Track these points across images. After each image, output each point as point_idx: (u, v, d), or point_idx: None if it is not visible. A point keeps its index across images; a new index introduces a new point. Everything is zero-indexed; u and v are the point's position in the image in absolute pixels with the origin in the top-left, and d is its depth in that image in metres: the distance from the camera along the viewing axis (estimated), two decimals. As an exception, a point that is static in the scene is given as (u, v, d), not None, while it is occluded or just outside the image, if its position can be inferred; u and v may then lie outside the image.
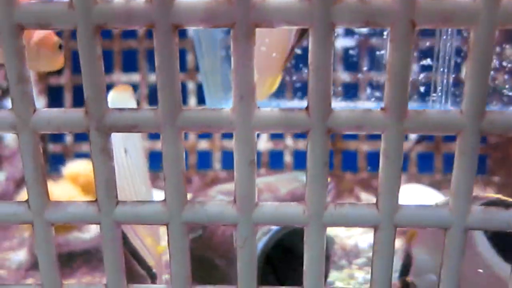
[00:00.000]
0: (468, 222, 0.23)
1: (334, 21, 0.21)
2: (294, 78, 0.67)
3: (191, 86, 0.73)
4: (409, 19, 0.21)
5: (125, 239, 0.31)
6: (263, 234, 0.36)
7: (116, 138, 0.32)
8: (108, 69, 0.72)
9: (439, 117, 0.22)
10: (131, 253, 0.31)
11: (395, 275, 0.30)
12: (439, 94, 0.44)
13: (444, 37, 0.42)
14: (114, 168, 0.23)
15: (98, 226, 0.47)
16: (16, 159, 0.69)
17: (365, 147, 0.71)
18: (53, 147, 0.73)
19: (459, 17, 0.21)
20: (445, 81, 0.43)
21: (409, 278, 0.26)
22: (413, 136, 0.70)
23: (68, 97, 0.72)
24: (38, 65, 0.22)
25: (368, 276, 0.47)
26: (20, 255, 0.49)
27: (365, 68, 0.67)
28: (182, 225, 0.24)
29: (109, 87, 0.79)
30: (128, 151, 0.32)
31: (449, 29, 0.42)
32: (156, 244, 0.32)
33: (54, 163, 0.74)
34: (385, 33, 0.65)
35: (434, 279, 0.29)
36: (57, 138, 0.73)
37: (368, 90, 0.68)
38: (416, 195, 0.65)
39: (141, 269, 0.31)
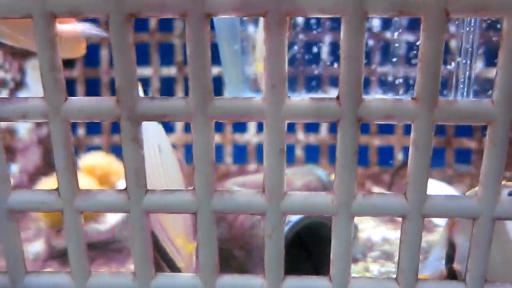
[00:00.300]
0: (496, 212, 0.23)
1: (367, 10, 0.21)
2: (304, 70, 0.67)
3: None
4: (442, 8, 0.21)
5: (155, 241, 0.31)
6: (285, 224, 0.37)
7: (150, 135, 0.32)
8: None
9: (470, 107, 0.22)
10: (160, 255, 0.31)
11: (442, 263, 0.30)
12: (461, 86, 0.44)
13: (467, 28, 0.42)
14: (143, 157, 0.23)
15: (115, 217, 0.48)
16: (29, 151, 0.70)
17: (376, 141, 0.71)
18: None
19: (492, 6, 0.21)
20: (467, 73, 0.43)
21: (455, 266, 0.27)
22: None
23: (80, 90, 0.73)
24: (60, 51, 0.22)
25: (383, 269, 0.48)
26: (37, 246, 0.49)
27: (374, 64, 0.67)
28: (210, 214, 0.24)
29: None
30: (161, 149, 0.32)
31: (472, 22, 0.42)
32: (186, 244, 0.32)
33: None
34: (396, 33, 0.65)
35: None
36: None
37: (379, 84, 0.68)
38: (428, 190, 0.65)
39: (170, 270, 0.31)
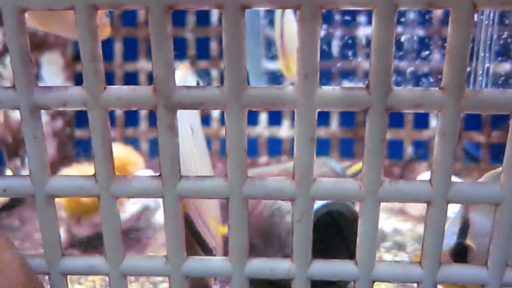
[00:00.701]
0: (519, 199, 0.24)
1: (397, 3, 0.22)
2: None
3: (214, 74, 0.74)
4: (470, 1, 0.21)
5: (189, 223, 0.32)
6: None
7: (183, 116, 0.33)
8: (133, 57, 0.73)
9: (496, 96, 0.23)
10: (195, 237, 0.32)
11: (454, 238, 0.30)
12: (480, 79, 0.45)
13: (486, 22, 0.43)
14: (178, 144, 0.24)
15: (134, 207, 0.48)
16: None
17: (386, 135, 0.72)
18: (80, 133, 0.75)
19: (519, -1, 0.21)
20: (485, 66, 0.44)
21: (468, 242, 0.27)
22: (434, 124, 0.71)
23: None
24: None
25: (397, 259, 0.49)
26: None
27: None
28: (242, 200, 0.25)
29: (134, 75, 0.80)
30: (193, 129, 0.33)
31: (491, 15, 0.43)
32: (218, 226, 0.33)
33: (80, 148, 0.75)
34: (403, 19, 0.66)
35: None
36: (84, 123, 0.74)
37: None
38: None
39: (203, 252, 0.32)
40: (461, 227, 0.30)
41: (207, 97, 0.23)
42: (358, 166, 0.54)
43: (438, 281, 0.26)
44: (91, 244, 0.49)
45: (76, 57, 0.73)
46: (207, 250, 0.32)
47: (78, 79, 0.73)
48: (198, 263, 0.26)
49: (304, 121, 0.23)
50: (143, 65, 0.74)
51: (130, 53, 0.74)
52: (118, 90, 0.24)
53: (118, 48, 0.73)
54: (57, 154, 0.73)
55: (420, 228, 0.55)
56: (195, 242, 0.32)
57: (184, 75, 0.36)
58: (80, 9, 0.22)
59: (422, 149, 0.71)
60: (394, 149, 0.72)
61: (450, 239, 0.31)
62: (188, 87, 0.23)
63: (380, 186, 0.24)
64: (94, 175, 0.25)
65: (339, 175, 0.51)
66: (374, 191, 0.24)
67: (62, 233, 0.50)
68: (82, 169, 0.53)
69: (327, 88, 0.23)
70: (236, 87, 0.23)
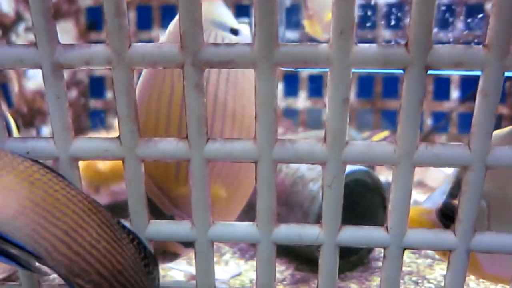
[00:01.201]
0: (562, 163, 0.23)
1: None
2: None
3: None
4: (522, -51, 0.20)
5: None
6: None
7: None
8: (148, 25, 0.72)
9: (544, 53, 0.21)
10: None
11: (443, 198, 0.29)
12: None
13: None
14: (205, 104, 0.23)
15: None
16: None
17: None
18: (94, 103, 0.74)
19: None
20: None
21: (456, 201, 0.26)
22: (455, 96, 0.69)
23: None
24: None
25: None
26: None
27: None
28: (271, 163, 0.24)
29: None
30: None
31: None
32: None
33: (95, 119, 0.75)
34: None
35: (484, 206, 0.29)
36: (98, 94, 0.73)
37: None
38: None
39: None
40: (452, 187, 0.29)
41: (236, 55, 0.22)
42: (378, 136, 0.53)
43: (472, 248, 0.25)
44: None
45: (90, 26, 0.72)
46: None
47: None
48: (224, 228, 0.26)
49: (338, 81, 0.22)
50: (157, 33, 0.72)
51: (144, 22, 0.72)
52: (144, 47, 0.23)
53: (132, 17, 0.72)
54: (72, 125, 0.72)
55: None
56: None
57: (215, 9, 0.32)
58: (104, -40, 0.21)
59: (443, 121, 0.69)
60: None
61: (439, 198, 0.30)
62: (216, 44, 0.22)
63: (415, 149, 0.23)
64: (118, 137, 0.24)
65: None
66: (409, 155, 0.23)
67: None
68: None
69: (363, 45, 0.22)
70: (267, 44, 0.22)
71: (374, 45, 0.22)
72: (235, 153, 0.24)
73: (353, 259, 0.39)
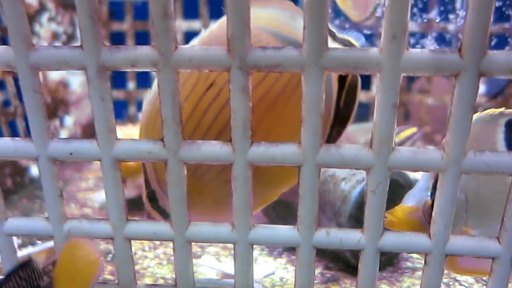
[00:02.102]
0: None
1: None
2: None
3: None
4: None
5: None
6: (358, 183, 0.36)
7: None
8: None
9: None
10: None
11: (427, 194, 0.29)
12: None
13: None
14: (250, 108, 0.23)
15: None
16: (82, 104, 0.70)
17: (429, 100, 0.69)
18: (116, 93, 0.74)
19: None
20: None
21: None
22: (482, 90, 0.68)
23: (130, 43, 0.72)
24: None
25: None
26: (102, 195, 0.50)
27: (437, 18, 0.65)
28: (315, 168, 0.24)
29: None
30: None
31: None
32: None
33: (117, 109, 0.75)
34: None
35: (462, 198, 0.28)
36: (120, 84, 0.73)
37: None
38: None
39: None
40: (434, 181, 0.28)
41: (284, 59, 0.22)
42: (406, 132, 0.52)
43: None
44: (136, 205, 0.49)
45: (111, 16, 0.72)
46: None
47: (113, 38, 0.72)
48: (265, 231, 0.26)
49: (388, 86, 0.22)
50: (179, 24, 0.72)
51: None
52: (190, 50, 0.22)
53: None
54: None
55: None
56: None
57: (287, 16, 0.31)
58: (153, -38, 0.21)
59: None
60: (437, 115, 0.70)
61: (422, 195, 0.29)
62: (263, 48, 0.22)
63: (464, 157, 0.23)
64: (162, 139, 0.24)
65: (387, 142, 0.50)
66: (457, 162, 0.23)
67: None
68: (126, 131, 0.53)
69: (415, 51, 0.21)
70: (317, 48, 0.22)
71: (426, 50, 0.21)
72: (279, 157, 0.24)
73: (382, 259, 0.39)
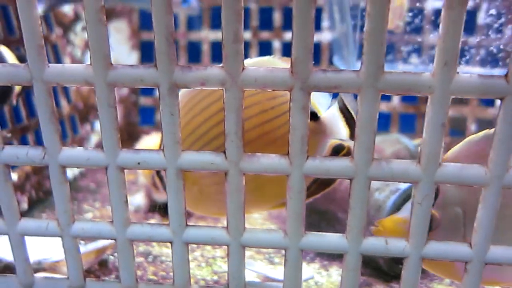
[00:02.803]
0: None
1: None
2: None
3: (277, 44, 0.74)
4: None
5: None
6: (392, 193, 0.38)
7: None
8: (197, 25, 0.74)
9: None
10: None
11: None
12: None
13: None
14: (308, 125, 0.25)
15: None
16: (111, 110, 0.73)
17: (449, 111, 0.71)
18: (144, 100, 0.76)
19: None
20: None
21: (434, 211, 0.26)
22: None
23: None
24: None
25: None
26: (137, 199, 0.52)
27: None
28: (366, 181, 0.26)
29: (197, 45, 0.80)
30: None
31: None
32: None
33: (145, 115, 0.77)
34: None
35: (459, 213, 0.30)
36: (148, 91, 0.75)
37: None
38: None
39: None
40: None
41: (343, 81, 0.24)
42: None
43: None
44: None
45: (142, 26, 0.74)
46: None
47: (143, 48, 0.75)
48: (316, 239, 0.28)
49: (438, 107, 0.24)
50: (206, 34, 0.74)
51: (194, 22, 0.74)
52: (256, 71, 0.24)
53: (182, 18, 0.73)
54: (123, 120, 0.75)
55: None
56: None
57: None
58: (228, -8, 0.23)
59: (487, 128, 0.70)
60: (456, 126, 0.72)
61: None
62: (324, 70, 0.24)
63: (506, 172, 0.25)
64: (224, 152, 0.26)
65: (411, 152, 0.52)
66: (499, 177, 0.25)
67: (143, 199, 0.52)
68: (151, 141, 0.55)
69: (464, 76, 0.23)
70: (374, 72, 0.23)
71: (474, 75, 0.23)
72: (333, 170, 0.26)
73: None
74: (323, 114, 0.33)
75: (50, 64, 0.25)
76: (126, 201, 0.28)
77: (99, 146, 0.27)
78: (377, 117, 0.25)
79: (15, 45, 0.53)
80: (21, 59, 0.46)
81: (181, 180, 0.27)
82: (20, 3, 0.24)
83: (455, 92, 0.24)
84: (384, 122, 0.73)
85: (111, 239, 0.29)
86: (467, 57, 0.66)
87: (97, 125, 0.71)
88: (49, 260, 0.38)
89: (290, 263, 0.28)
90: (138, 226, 0.29)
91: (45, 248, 0.40)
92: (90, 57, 0.25)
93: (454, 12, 0.22)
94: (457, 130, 0.71)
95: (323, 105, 0.34)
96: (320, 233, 0.28)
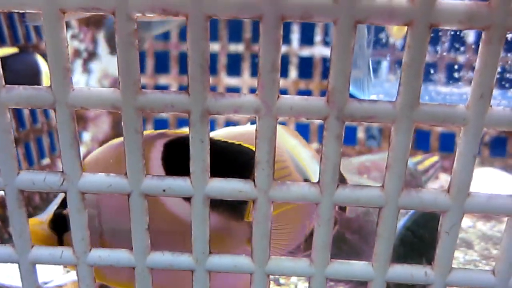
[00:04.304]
0: None
1: None
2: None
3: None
4: None
5: None
6: (401, 215, 0.39)
7: None
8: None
9: None
10: None
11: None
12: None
13: None
14: (341, 153, 0.25)
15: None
16: (100, 120, 0.71)
17: (438, 127, 0.73)
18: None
19: None
20: None
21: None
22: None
23: (150, 62, 0.73)
24: None
25: (467, 257, 0.50)
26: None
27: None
28: (395, 210, 0.26)
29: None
30: None
31: None
32: None
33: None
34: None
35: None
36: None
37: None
38: (489, 178, 0.67)
39: None
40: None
41: (378, 111, 0.24)
42: (429, 161, 0.55)
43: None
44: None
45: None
46: None
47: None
48: (341, 266, 0.27)
49: (471, 139, 0.24)
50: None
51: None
52: (291, 100, 0.24)
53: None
54: (111, 131, 0.73)
55: (481, 226, 0.56)
56: None
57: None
58: (269, 19, 0.22)
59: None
60: (446, 142, 0.73)
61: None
62: (360, 100, 0.24)
63: (533, 203, 0.25)
64: (253, 179, 0.26)
65: (411, 171, 0.52)
66: (525, 208, 0.25)
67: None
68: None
69: (498, 109, 0.24)
70: (410, 103, 0.24)
71: (508, 108, 0.24)
72: (363, 199, 0.26)
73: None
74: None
75: (75, 87, 0.24)
76: (148, 228, 0.27)
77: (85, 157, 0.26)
78: (410, 147, 0.25)
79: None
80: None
81: (207, 207, 0.26)
82: (47, 24, 0.23)
83: (488, 124, 0.24)
84: (377, 138, 0.74)
85: (130, 267, 0.28)
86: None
87: (85, 136, 0.69)
88: (51, 285, 0.36)
89: (315, 291, 0.28)
90: (159, 254, 0.28)
91: (42, 270, 0.39)
92: (119, 81, 0.24)
93: (493, 48, 0.22)
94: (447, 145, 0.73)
95: (315, 172, 0.37)
96: (345, 261, 0.28)
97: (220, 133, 0.39)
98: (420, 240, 0.38)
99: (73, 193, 0.26)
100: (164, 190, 0.26)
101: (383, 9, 0.22)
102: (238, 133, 0.38)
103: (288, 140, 0.38)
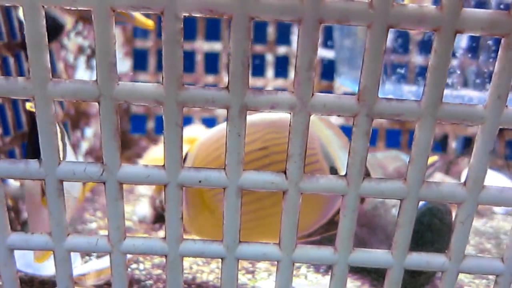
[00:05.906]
0: None
1: None
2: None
3: (270, 58, 0.75)
4: None
5: None
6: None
7: None
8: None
9: None
10: None
11: None
12: None
13: None
14: (368, 149, 0.27)
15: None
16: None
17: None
18: (135, 108, 0.75)
19: None
20: None
21: None
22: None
23: (152, 60, 0.74)
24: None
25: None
26: (142, 209, 0.52)
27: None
28: (416, 201, 0.28)
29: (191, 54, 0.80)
30: None
31: None
32: None
33: (135, 123, 0.76)
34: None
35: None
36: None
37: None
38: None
39: None
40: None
41: (405, 109, 0.26)
42: (429, 160, 0.57)
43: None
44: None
45: (135, 34, 0.73)
46: None
47: (136, 55, 0.74)
48: (363, 255, 0.29)
49: (488, 137, 0.26)
50: (200, 44, 0.74)
51: (187, 32, 0.74)
52: (326, 97, 0.26)
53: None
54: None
55: (474, 222, 0.59)
56: None
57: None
58: (308, 21, 0.24)
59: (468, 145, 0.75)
60: (438, 143, 0.76)
61: None
62: (389, 99, 0.26)
63: (541, 196, 0.27)
64: (284, 171, 0.27)
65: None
66: (534, 200, 0.28)
67: (148, 209, 0.52)
68: (159, 151, 0.55)
69: (512, 108, 0.26)
70: (434, 102, 0.25)
71: (522, 108, 0.26)
72: (387, 191, 0.28)
73: (420, 278, 0.43)
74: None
75: (119, 82, 0.26)
76: (182, 217, 0.28)
77: (90, 153, 0.27)
78: (431, 144, 0.27)
79: (17, 49, 0.51)
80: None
81: (239, 198, 0.28)
82: (97, 21, 0.24)
83: (504, 123, 0.26)
84: (371, 137, 0.77)
85: (163, 255, 0.29)
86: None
87: (88, 132, 0.70)
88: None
89: (337, 278, 0.30)
90: (191, 242, 0.29)
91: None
92: (163, 77, 0.25)
93: (511, 53, 0.24)
94: (439, 145, 0.76)
95: (343, 160, 0.39)
96: (367, 249, 0.30)
97: (253, 119, 0.40)
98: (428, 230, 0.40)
99: (112, 183, 0.27)
100: (200, 181, 0.27)
101: (414, 16, 0.24)
102: (270, 120, 0.40)
103: (322, 130, 0.41)
